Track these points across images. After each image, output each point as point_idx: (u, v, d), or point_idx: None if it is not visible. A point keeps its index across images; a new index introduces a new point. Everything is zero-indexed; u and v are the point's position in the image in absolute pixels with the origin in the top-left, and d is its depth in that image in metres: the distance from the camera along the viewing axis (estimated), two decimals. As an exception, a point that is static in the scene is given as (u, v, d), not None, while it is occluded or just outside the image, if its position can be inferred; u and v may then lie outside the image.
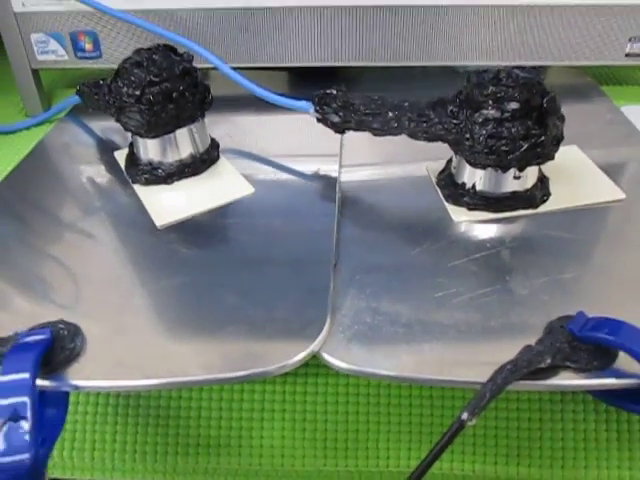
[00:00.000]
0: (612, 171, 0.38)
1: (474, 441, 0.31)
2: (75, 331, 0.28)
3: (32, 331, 0.28)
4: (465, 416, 0.24)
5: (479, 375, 0.25)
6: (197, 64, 0.40)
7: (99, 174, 0.42)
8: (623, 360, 0.25)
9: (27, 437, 0.23)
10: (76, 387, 0.27)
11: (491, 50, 0.49)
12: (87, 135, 0.47)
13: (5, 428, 0.23)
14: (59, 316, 0.29)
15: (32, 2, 0.48)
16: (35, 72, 0.52)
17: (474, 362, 0.26)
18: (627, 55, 0.48)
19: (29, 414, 0.24)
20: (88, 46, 0.50)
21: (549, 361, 0.25)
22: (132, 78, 0.36)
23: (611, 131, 0.44)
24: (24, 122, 0.51)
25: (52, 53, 0.51)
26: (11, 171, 0.43)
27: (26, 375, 0.25)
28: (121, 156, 0.42)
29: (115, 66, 0.52)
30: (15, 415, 0.24)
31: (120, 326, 0.30)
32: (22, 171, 0.43)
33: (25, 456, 0.23)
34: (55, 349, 0.27)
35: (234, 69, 0.44)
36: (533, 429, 0.31)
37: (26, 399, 0.24)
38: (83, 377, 0.27)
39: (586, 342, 0.26)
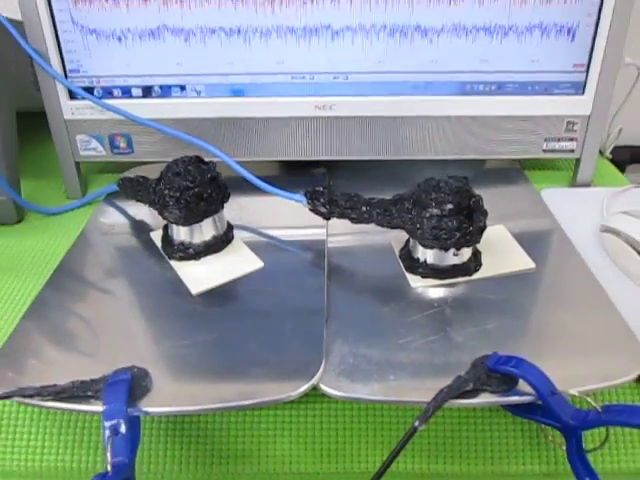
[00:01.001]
0: (527, 245, 0.51)
1: (428, 447, 0.42)
2: (145, 373, 0.40)
3: (116, 374, 0.39)
4: (417, 423, 0.35)
5: (427, 396, 0.36)
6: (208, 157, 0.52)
7: (140, 252, 0.53)
8: (522, 385, 0.37)
9: (125, 445, 0.35)
10: (147, 412, 0.38)
11: (442, 147, 0.62)
12: (124, 217, 0.59)
13: (112, 440, 0.35)
14: (133, 363, 0.40)
15: (80, 112, 0.61)
16: (77, 164, 0.64)
17: (423, 388, 0.38)
18: (544, 151, 0.62)
19: (124, 430, 0.35)
20: (123, 145, 0.63)
21: (472, 385, 0.37)
22: (173, 184, 0.48)
23: (529, 211, 0.58)
24: (70, 205, 0.63)
25: (93, 150, 0.63)
26: (67, 253, 0.53)
27: (121, 404, 0.36)
28: (156, 236, 0.54)
29: (143, 160, 0.64)
30: (116, 431, 0.35)
31: (173, 369, 0.41)
32: (77, 252, 0.53)
33: (123, 458, 0.34)
34: (134, 386, 0.38)
35: (239, 164, 0.56)
36: (470, 437, 0.42)
37: (122, 420, 0.35)
38: (153, 405, 0.38)
39: (497, 373, 0.37)
